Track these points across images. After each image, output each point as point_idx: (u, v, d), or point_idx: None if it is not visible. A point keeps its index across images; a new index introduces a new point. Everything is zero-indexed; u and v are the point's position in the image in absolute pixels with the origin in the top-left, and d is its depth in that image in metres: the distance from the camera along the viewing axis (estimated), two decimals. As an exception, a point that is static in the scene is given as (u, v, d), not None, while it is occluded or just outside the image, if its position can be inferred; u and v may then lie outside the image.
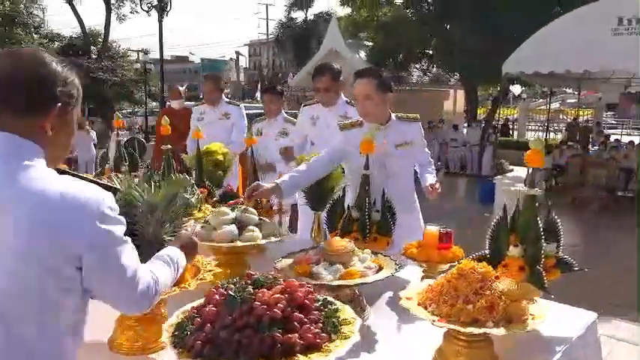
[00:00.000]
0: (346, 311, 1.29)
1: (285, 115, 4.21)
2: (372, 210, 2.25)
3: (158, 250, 1.44)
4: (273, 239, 2.09)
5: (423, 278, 2.05)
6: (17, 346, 1.06)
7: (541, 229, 1.72)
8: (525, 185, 1.79)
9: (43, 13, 12.23)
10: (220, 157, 3.08)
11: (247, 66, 74.52)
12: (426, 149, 2.92)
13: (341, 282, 1.67)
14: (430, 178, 2.70)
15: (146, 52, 20.17)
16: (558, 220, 1.82)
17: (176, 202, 1.53)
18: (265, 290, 1.15)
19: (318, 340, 1.12)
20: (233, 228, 2.03)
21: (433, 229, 2.10)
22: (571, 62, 8.10)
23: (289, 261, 1.86)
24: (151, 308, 1.25)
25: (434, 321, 1.39)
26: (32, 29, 11.94)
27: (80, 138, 10.20)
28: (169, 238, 1.51)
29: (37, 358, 1.08)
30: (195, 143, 3.04)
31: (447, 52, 13.27)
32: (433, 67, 15.51)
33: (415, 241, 2.15)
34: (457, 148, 14.43)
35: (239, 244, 1.99)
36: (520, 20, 10.05)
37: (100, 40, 17.98)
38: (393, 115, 2.75)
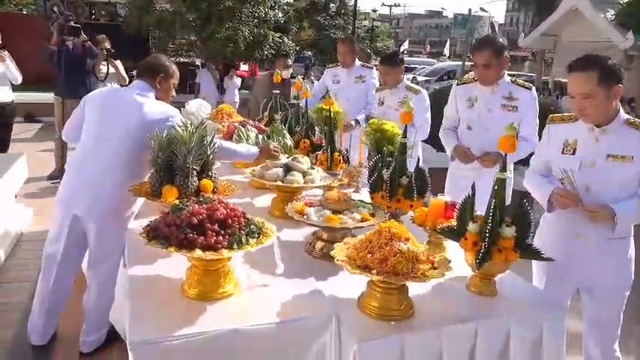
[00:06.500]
0: (269, 232, 1.80)
1: (408, 83, 4.11)
2: (402, 175, 2.48)
3: (186, 175, 2.15)
4: (309, 184, 2.57)
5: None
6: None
7: (497, 211, 1.81)
8: None
9: None
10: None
11: (503, 22, 69.75)
12: None
13: (309, 222, 2.10)
14: (623, 207, 2.06)
15: (374, 10, 21.33)
16: (529, 209, 1.85)
17: (204, 142, 2.17)
18: (196, 205, 1.70)
19: (217, 245, 1.63)
20: (279, 171, 2.57)
21: (440, 199, 2.28)
22: None
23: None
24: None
25: (337, 259, 1.73)
26: None
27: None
28: (195, 166, 2.17)
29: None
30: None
31: None
32: None
33: (425, 209, 2.35)
34: None
35: (278, 183, 2.53)
36: None
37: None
38: (622, 115, 2.15)
